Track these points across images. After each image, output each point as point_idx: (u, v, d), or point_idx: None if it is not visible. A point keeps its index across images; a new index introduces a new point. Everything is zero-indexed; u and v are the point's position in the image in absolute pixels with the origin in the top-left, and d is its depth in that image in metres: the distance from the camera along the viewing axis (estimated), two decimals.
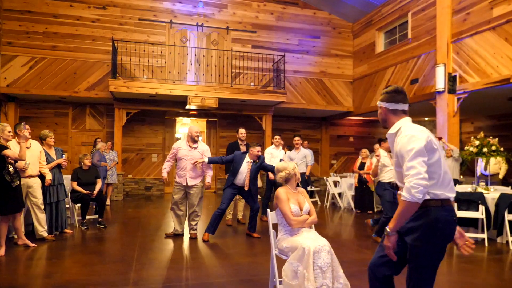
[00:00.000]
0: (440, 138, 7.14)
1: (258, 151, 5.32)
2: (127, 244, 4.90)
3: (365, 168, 7.92)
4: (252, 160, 5.33)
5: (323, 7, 11.19)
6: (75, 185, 5.85)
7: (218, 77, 10.22)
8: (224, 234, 5.66)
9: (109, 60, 9.41)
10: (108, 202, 8.15)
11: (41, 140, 5.32)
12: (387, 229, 2.00)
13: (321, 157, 12.52)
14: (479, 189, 5.59)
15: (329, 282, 2.60)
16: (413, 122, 2.17)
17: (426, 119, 11.69)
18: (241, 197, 6.44)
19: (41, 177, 4.99)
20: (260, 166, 5.40)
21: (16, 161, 4.39)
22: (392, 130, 2.16)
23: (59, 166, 5.41)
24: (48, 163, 5.19)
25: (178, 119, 11.73)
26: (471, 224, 5.44)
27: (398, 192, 2.05)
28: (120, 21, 9.79)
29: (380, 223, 5.13)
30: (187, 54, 10.12)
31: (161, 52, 9.95)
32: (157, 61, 9.87)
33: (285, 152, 7.30)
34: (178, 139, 11.53)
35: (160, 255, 4.44)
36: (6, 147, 4.30)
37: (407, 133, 2.01)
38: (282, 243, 3.01)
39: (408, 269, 2.09)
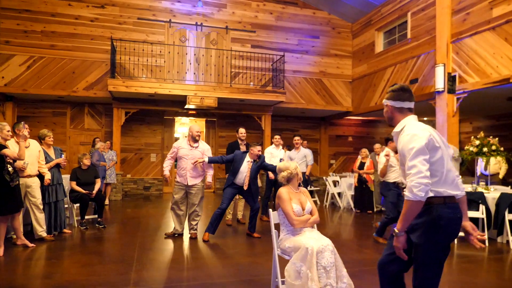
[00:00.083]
0: None
1: (259, 151, 5.31)
2: (127, 244, 4.87)
3: (365, 168, 7.92)
4: (252, 160, 5.31)
5: (322, 7, 11.19)
6: (74, 184, 5.82)
7: (217, 77, 10.20)
8: (224, 234, 5.64)
9: (107, 60, 9.37)
10: (106, 202, 8.10)
11: (40, 139, 5.28)
12: (395, 230, 2.01)
13: (320, 157, 12.52)
14: (479, 189, 5.60)
15: (333, 282, 2.59)
16: None
17: (425, 119, 11.70)
18: (241, 197, 6.43)
19: (40, 176, 4.95)
20: (260, 166, 5.39)
21: (15, 160, 4.35)
22: (397, 129, 2.18)
23: (58, 165, 5.38)
24: (47, 162, 5.15)
25: (177, 118, 11.69)
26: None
27: (403, 192, 2.06)
28: (119, 20, 9.75)
29: (381, 223, 5.13)
30: (186, 54, 10.09)
31: (160, 51, 9.92)
32: (156, 61, 9.83)
33: (285, 152, 7.28)
34: (177, 139, 11.50)
35: (161, 255, 4.41)
36: (5, 147, 4.27)
37: (409, 132, 2.03)
38: (284, 243, 2.99)
39: (413, 267, 2.10)
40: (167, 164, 5.30)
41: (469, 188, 5.65)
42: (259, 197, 7.51)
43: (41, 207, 4.88)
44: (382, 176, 5.11)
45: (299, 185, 3.32)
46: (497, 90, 7.09)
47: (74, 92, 9.26)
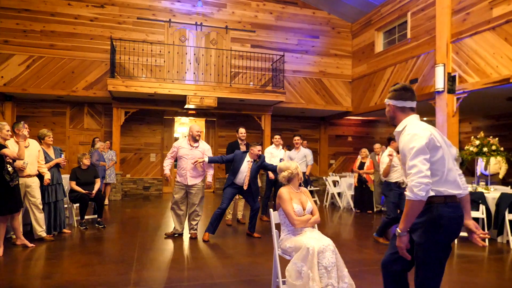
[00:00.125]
0: None
1: (259, 151, 5.30)
2: (127, 244, 4.86)
3: (365, 167, 7.91)
4: (252, 160, 5.30)
5: (322, 7, 11.18)
6: (73, 184, 5.81)
7: (217, 77, 10.19)
8: (224, 234, 5.63)
9: (107, 59, 9.35)
10: (106, 202, 8.09)
11: (40, 139, 5.26)
12: (398, 230, 2.02)
13: (319, 157, 12.51)
14: (479, 189, 5.60)
15: (334, 282, 2.58)
16: None
17: (425, 119, 11.70)
18: (241, 197, 6.42)
19: (40, 176, 4.94)
20: (260, 166, 5.38)
21: (14, 160, 4.34)
22: (398, 128, 2.19)
23: (57, 165, 5.36)
24: (46, 162, 5.14)
25: (177, 118, 11.68)
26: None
27: (405, 192, 2.06)
28: (119, 20, 9.73)
29: (382, 223, 5.13)
30: (186, 54, 10.08)
31: (160, 51, 9.91)
32: (155, 60, 9.82)
33: (285, 152, 7.28)
34: (176, 138, 11.50)
35: (161, 255, 4.40)
36: (5, 146, 4.25)
37: (409, 132, 2.04)
38: (285, 243, 2.98)
39: (415, 266, 2.10)
40: (168, 164, 5.29)
41: (469, 188, 5.62)
42: (259, 197, 7.51)
43: (41, 207, 4.87)
44: (385, 176, 5.10)
45: (300, 185, 3.31)
46: (496, 90, 7.09)
47: (74, 91, 9.24)
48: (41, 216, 4.88)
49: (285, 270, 2.83)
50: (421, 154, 1.93)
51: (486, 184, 5.87)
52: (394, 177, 5.04)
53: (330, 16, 11.31)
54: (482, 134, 5.78)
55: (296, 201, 3.12)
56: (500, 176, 7.53)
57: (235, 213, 6.70)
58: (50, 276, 3.59)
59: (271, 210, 3.23)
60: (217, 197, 10.03)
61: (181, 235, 5.37)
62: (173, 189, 5.37)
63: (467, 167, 8.39)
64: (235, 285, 3.45)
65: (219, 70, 10.32)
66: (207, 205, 8.41)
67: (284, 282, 2.89)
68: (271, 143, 7.33)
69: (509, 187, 6.29)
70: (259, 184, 6.20)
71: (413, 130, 2.03)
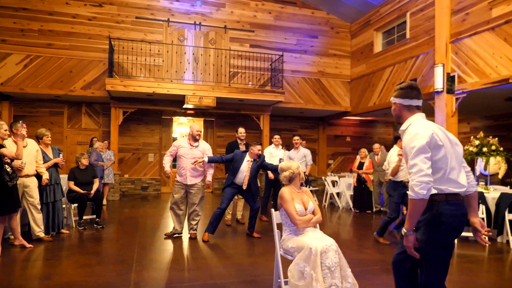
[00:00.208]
0: None
1: (259, 150, 5.28)
2: (126, 245, 4.82)
3: (364, 167, 7.91)
4: (252, 159, 5.28)
5: (321, 7, 11.18)
6: (72, 184, 5.76)
7: (216, 77, 10.16)
8: (224, 234, 5.60)
9: (105, 59, 9.31)
10: (104, 202, 8.05)
11: (38, 139, 5.22)
12: (404, 229, 2.03)
13: (318, 157, 12.51)
14: (479, 189, 5.60)
15: (338, 282, 2.57)
16: None
17: None
18: (240, 197, 6.40)
19: (38, 176, 4.89)
20: (260, 165, 5.36)
21: (12, 160, 4.29)
22: (403, 127, 2.21)
23: (56, 165, 5.32)
24: (45, 162, 5.09)
25: (175, 118, 11.64)
26: (469, 223, 5.43)
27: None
28: (117, 19, 9.68)
29: (382, 222, 5.12)
30: (185, 53, 10.05)
31: (159, 50, 9.86)
32: (154, 60, 9.78)
33: (284, 152, 7.26)
34: (175, 138, 11.47)
35: (161, 256, 4.37)
36: (3, 146, 4.21)
37: (412, 131, 2.06)
38: (287, 243, 2.96)
39: (419, 264, 2.11)
40: (167, 161, 5.26)
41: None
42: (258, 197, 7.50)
43: (39, 207, 4.83)
44: (393, 175, 5.08)
45: (302, 185, 3.29)
46: (495, 91, 7.10)
47: (72, 91, 9.19)
48: (39, 217, 4.83)
49: (286, 270, 2.81)
50: (421, 153, 1.95)
51: (486, 184, 5.87)
52: (401, 175, 5.02)
53: (329, 16, 11.31)
54: (481, 134, 5.78)
55: (297, 201, 3.10)
56: (500, 176, 7.54)
57: (235, 213, 6.68)
58: (49, 277, 3.55)
59: (272, 210, 3.21)
60: (216, 197, 10.01)
61: (180, 235, 5.34)
62: (173, 188, 5.34)
63: None
64: (236, 285, 3.43)
65: (218, 70, 10.30)
66: (205, 205, 8.38)
67: (286, 283, 2.87)
68: (270, 143, 7.31)
69: (508, 187, 6.31)
70: (258, 184, 6.18)
71: (414, 130, 2.04)
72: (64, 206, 5.78)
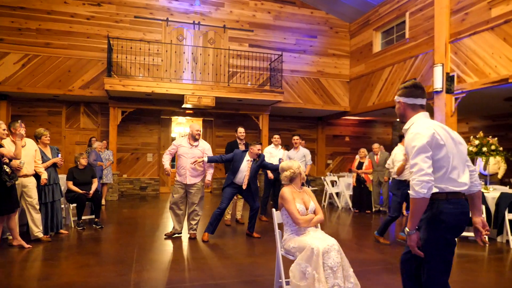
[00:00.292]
0: None
1: (259, 149, 5.27)
2: (125, 245, 4.79)
3: (363, 167, 7.91)
4: (252, 159, 5.27)
5: (320, 7, 11.17)
6: (70, 184, 5.73)
7: (215, 76, 10.14)
8: (224, 234, 5.59)
9: (104, 58, 9.27)
10: (103, 202, 8.01)
11: (37, 138, 5.19)
12: (407, 229, 2.03)
13: (317, 157, 12.50)
14: None
15: (340, 282, 2.55)
16: None
17: None
18: (240, 196, 6.38)
19: (36, 176, 4.86)
20: (260, 165, 5.34)
21: (10, 160, 4.26)
22: (406, 126, 2.21)
23: (54, 165, 5.28)
24: (43, 162, 5.06)
25: (174, 118, 11.61)
26: (471, 223, 5.43)
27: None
28: (116, 18, 9.65)
29: (383, 222, 5.11)
30: (184, 53, 10.02)
31: (157, 50, 9.83)
32: (153, 59, 9.75)
33: (284, 152, 7.24)
34: (173, 138, 11.44)
35: (160, 256, 4.35)
36: (1, 146, 4.18)
37: (413, 131, 2.06)
38: (289, 243, 2.95)
39: (422, 264, 2.11)
40: (167, 159, 5.23)
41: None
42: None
43: (38, 207, 4.79)
44: (399, 174, 5.07)
45: (303, 185, 3.28)
46: (494, 90, 7.11)
47: (70, 91, 9.14)
48: (38, 217, 4.80)
49: (287, 270, 2.80)
50: (422, 153, 1.95)
51: (485, 184, 5.88)
52: (406, 174, 5.00)
53: (328, 15, 11.30)
54: (481, 134, 5.78)
55: (299, 200, 3.09)
56: (499, 176, 7.55)
57: (234, 213, 6.66)
58: (48, 278, 3.53)
59: (273, 210, 3.19)
60: (215, 197, 9.98)
61: (180, 235, 5.32)
62: (172, 188, 5.32)
63: None
64: (237, 285, 3.41)
65: (217, 69, 10.27)
66: (205, 205, 8.36)
67: (287, 283, 2.85)
68: (269, 142, 7.30)
69: (507, 187, 6.31)
70: (258, 184, 6.17)
71: (416, 129, 2.05)
72: (63, 206, 5.75)
